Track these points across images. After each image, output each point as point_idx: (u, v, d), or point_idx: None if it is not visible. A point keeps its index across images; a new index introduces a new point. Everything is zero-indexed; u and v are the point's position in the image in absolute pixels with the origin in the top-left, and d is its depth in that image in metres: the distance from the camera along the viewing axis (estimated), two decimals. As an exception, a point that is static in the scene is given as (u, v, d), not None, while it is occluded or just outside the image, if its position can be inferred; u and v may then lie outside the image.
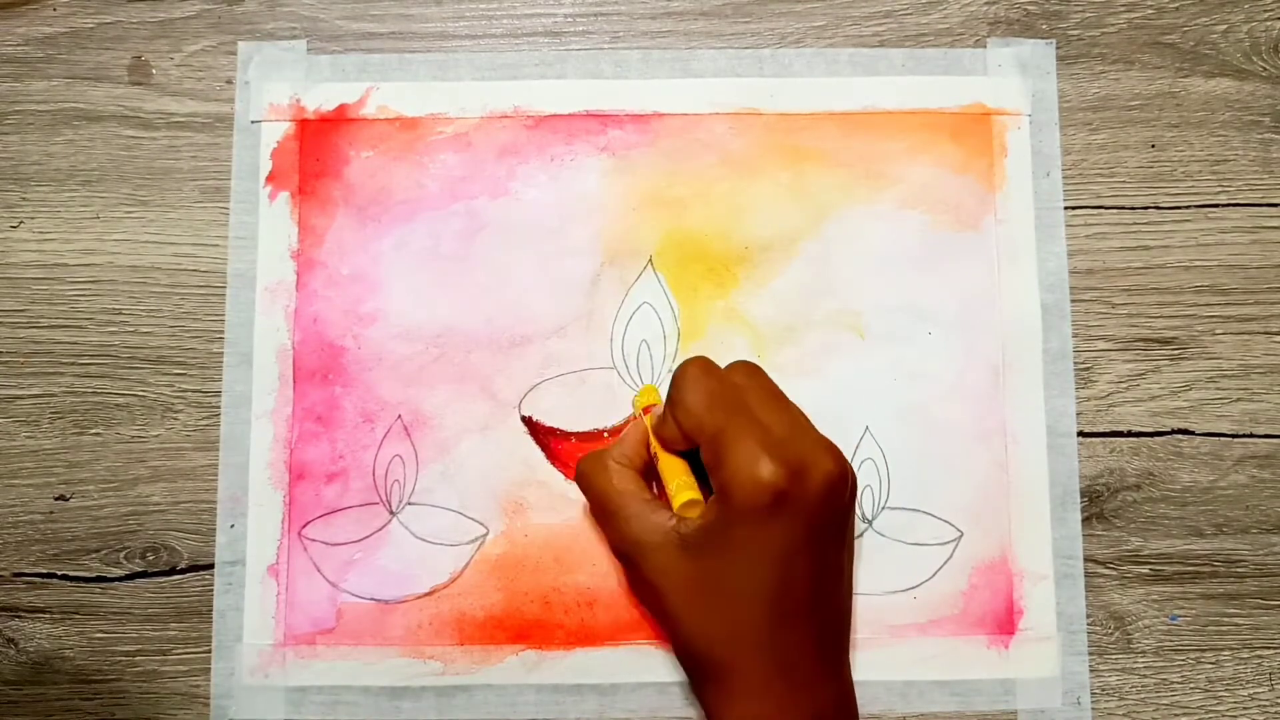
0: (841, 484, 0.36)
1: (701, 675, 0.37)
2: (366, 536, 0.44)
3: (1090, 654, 0.44)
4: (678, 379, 0.39)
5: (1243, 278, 0.46)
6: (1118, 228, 0.46)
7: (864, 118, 0.46)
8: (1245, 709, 0.44)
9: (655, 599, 0.38)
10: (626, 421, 0.44)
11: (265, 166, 0.46)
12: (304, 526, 0.44)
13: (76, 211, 0.45)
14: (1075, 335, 0.45)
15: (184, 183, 0.46)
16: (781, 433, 0.36)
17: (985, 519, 0.44)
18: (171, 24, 0.47)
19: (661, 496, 0.40)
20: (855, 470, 0.40)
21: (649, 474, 0.41)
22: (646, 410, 0.41)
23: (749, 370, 0.39)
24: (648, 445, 0.40)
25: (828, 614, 0.38)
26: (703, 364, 0.39)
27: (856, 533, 0.44)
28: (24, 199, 0.46)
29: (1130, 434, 0.45)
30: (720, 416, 0.37)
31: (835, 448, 0.37)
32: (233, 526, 0.44)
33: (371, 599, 0.43)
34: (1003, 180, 0.46)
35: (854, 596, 0.42)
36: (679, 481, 0.39)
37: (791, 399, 0.39)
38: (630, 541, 0.38)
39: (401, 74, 0.46)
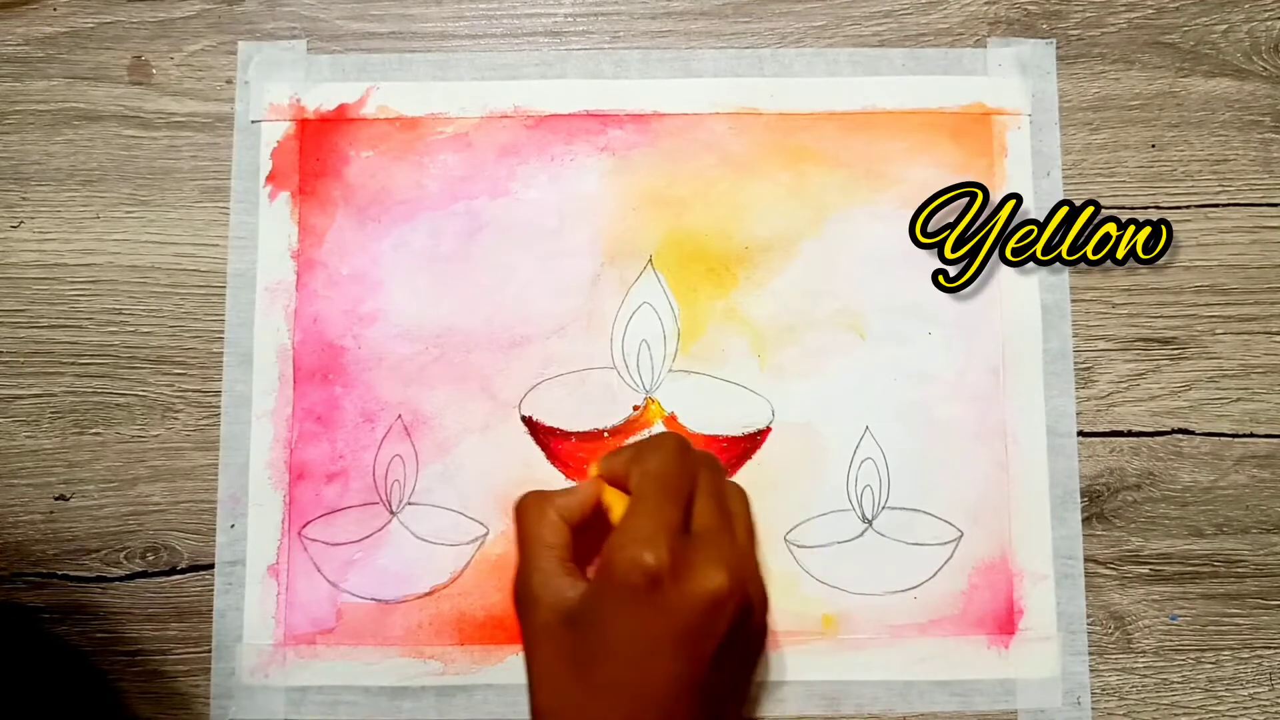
0: (724, 604, 0.34)
1: None
2: (366, 536, 0.44)
3: (1090, 654, 0.44)
4: (654, 440, 0.38)
5: (1243, 278, 0.46)
6: (1118, 228, 0.46)
7: (864, 118, 0.46)
8: (1245, 709, 0.44)
9: (528, 660, 0.36)
10: (626, 421, 0.44)
11: (265, 166, 0.46)
12: (304, 526, 0.44)
13: (76, 211, 0.45)
14: (1075, 335, 0.45)
15: (184, 183, 0.46)
16: (694, 533, 0.35)
17: (985, 519, 0.44)
18: (171, 24, 0.47)
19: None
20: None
21: (584, 535, 0.39)
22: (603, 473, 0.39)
23: (714, 468, 0.38)
24: (597, 504, 0.39)
25: None
26: (679, 441, 0.38)
27: (854, 534, 0.44)
28: (24, 199, 0.46)
29: (1130, 434, 0.45)
30: (649, 488, 0.36)
31: (741, 572, 0.35)
32: (233, 526, 0.44)
33: (371, 599, 0.43)
34: (1003, 180, 0.46)
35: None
36: None
37: (754, 522, 0.39)
38: (530, 594, 0.36)
39: (401, 74, 0.46)
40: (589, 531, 0.38)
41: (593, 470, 0.40)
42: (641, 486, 0.36)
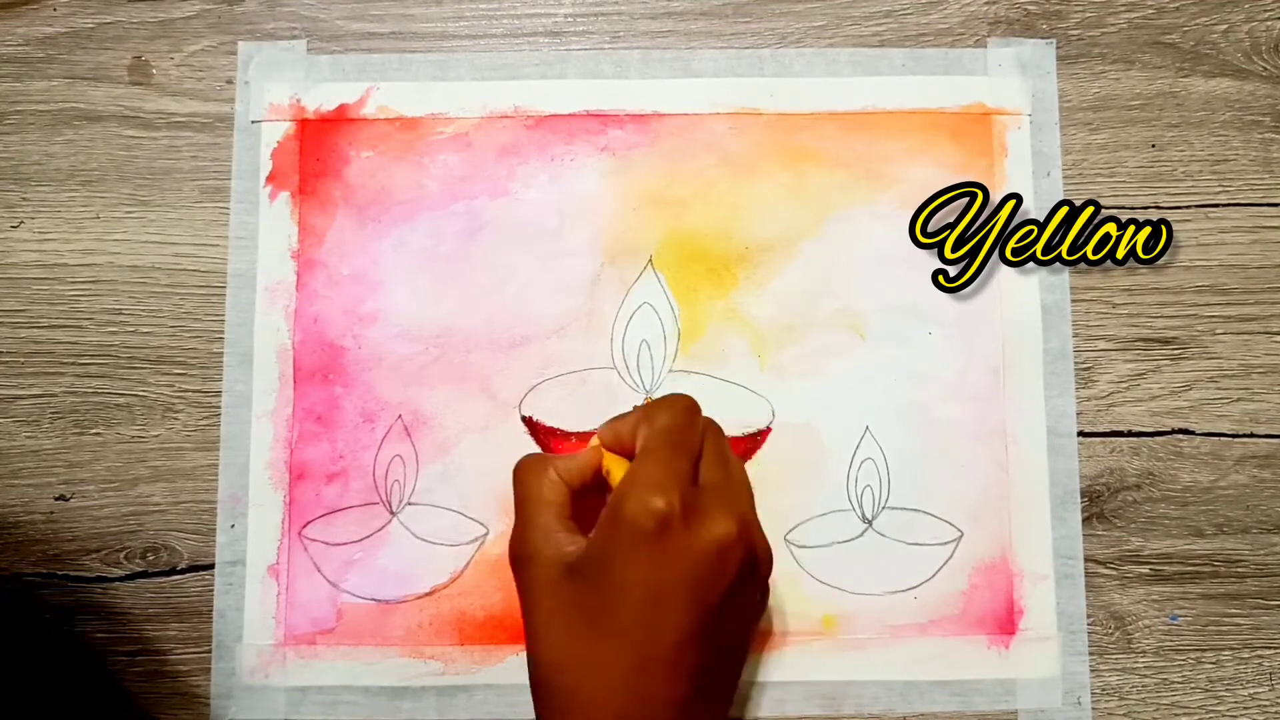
0: (732, 551, 0.34)
1: (548, 703, 0.35)
2: (367, 536, 0.44)
3: (1090, 654, 0.44)
4: (665, 399, 0.38)
5: (1243, 278, 0.46)
6: (1118, 228, 0.46)
7: (864, 118, 0.46)
8: (1245, 709, 0.44)
9: (527, 617, 0.36)
10: (626, 421, 0.44)
11: (265, 166, 0.46)
12: (304, 526, 0.44)
13: (76, 211, 0.45)
14: (1075, 335, 0.45)
15: (184, 183, 0.46)
16: (703, 485, 0.35)
17: (985, 519, 0.44)
18: (171, 24, 0.47)
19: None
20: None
21: (582, 499, 0.39)
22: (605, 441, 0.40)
23: (718, 433, 0.39)
24: (597, 470, 0.39)
25: (704, 683, 0.35)
26: (689, 400, 0.38)
27: (854, 534, 0.44)
28: (24, 199, 0.46)
29: (1130, 434, 0.45)
30: (659, 441, 0.36)
31: (748, 523, 0.36)
32: (233, 526, 0.44)
33: (372, 599, 0.43)
34: (1003, 180, 0.46)
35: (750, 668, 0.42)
36: None
37: (751, 489, 0.39)
38: (527, 549, 0.36)
39: (401, 74, 0.46)
40: (587, 498, 0.38)
41: (594, 440, 0.40)
42: (651, 439, 0.36)
